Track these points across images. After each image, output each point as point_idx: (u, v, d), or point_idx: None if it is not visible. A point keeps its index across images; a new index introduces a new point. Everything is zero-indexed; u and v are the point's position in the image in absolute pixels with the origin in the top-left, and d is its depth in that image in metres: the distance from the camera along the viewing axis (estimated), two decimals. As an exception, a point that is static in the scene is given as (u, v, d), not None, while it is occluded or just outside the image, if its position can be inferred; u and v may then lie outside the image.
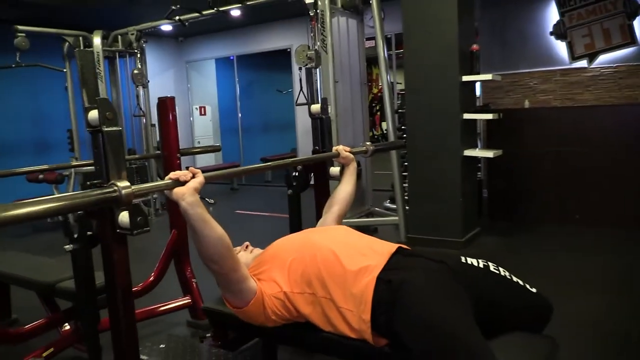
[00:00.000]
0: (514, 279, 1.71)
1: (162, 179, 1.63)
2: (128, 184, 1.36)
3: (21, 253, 3.20)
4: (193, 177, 1.55)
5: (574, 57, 5.81)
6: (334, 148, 2.36)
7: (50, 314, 2.58)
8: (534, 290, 1.70)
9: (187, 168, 1.61)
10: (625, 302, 3.00)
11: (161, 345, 1.89)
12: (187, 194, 1.50)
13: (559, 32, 5.84)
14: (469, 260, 1.72)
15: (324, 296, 1.64)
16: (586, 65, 5.73)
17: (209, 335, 2.16)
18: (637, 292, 3.15)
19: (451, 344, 1.37)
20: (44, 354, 2.31)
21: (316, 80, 4.82)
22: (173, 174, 1.53)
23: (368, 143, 2.52)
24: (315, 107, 2.46)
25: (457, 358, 1.34)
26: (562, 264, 3.79)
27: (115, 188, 1.35)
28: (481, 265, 1.70)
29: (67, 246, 1.62)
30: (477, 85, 5.82)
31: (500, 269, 1.72)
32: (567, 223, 4.78)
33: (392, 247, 1.72)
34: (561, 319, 2.39)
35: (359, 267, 1.61)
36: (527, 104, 5.81)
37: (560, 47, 5.90)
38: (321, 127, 2.47)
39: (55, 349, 2.38)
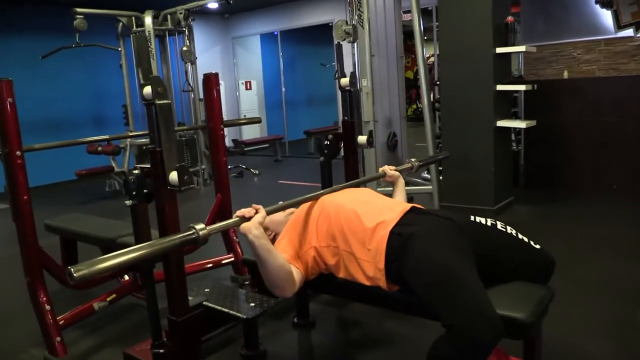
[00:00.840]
0: (520, 236, 1.87)
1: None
2: (203, 226, 1.56)
3: (86, 215, 3.58)
4: (256, 212, 1.76)
5: (619, 26, 5.67)
6: (380, 169, 2.42)
7: (113, 266, 2.94)
8: (537, 246, 1.86)
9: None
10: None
11: (206, 289, 2.19)
12: (252, 228, 1.71)
13: (605, 0, 5.71)
14: (478, 219, 1.90)
15: (345, 249, 1.87)
16: (632, 35, 5.60)
17: (247, 282, 2.46)
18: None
19: (447, 280, 1.57)
20: (108, 299, 2.67)
21: (353, 54, 4.98)
22: (239, 212, 1.75)
23: (413, 160, 2.55)
24: (344, 81, 2.66)
25: (453, 293, 1.54)
26: (591, 230, 3.88)
27: (194, 231, 1.55)
28: (489, 223, 1.88)
29: (128, 201, 1.92)
30: (520, 56, 5.81)
31: (508, 227, 1.88)
32: (603, 193, 4.80)
33: (407, 206, 1.92)
34: (574, 277, 2.54)
35: (376, 223, 1.83)
36: (566, 74, 5.77)
37: (606, 16, 5.77)
38: (350, 99, 2.67)
39: (117, 295, 2.74)
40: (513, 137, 5.18)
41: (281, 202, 1.87)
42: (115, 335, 2.62)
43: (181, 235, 1.54)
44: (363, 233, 1.83)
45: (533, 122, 4.39)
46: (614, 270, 3.06)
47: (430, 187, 4.80)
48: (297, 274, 1.86)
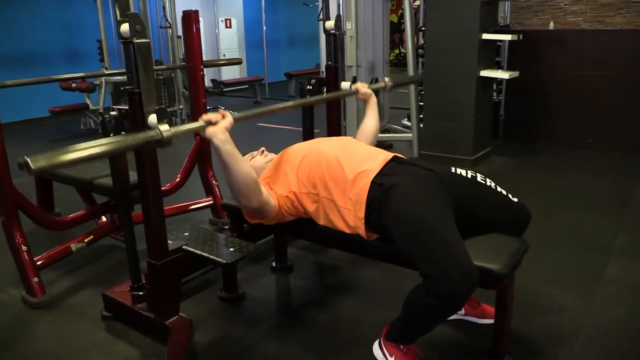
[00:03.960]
0: (499, 189, 1.90)
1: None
2: (168, 127, 1.55)
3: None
4: (223, 118, 1.73)
5: (608, -24, 5.60)
6: (353, 86, 2.45)
7: (89, 207, 2.91)
8: (515, 199, 1.90)
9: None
10: (617, 218, 3.19)
11: (185, 233, 2.19)
12: (218, 133, 1.68)
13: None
14: (458, 170, 1.91)
15: (326, 197, 1.87)
16: (620, -14, 5.55)
17: (227, 227, 2.46)
18: (631, 211, 3.33)
19: (426, 231, 1.60)
20: (86, 240, 2.66)
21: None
22: (205, 117, 1.71)
23: (387, 79, 2.59)
24: (330, 24, 2.58)
25: (430, 244, 1.57)
26: (565, 184, 3.97)
27: (158, 132, 1.53)
28: (469, 176, 1.90)
29: (105, 144, 1.87)
30: (507, 5, 5.70)
31: (487, 180, 1.91)
32: (580, 147, 4.87)
33: (388, 155, 1.92)
34: (546, 229, 2.60)
35: (358, 172, 1.83)
36: (551, 25, 5.72)
37: (596, -35, 5.68)
38: (334, 43, 2.60)
39: (95, 236, 2.73)
40: (494, 87, 5.17)
41: (252, 110, 1.89)
42: (94, 276, 2.63)
43: (145, 134, 1.53)
44: (344, 181, 1.84)
45: (516, 73, 4.37)
46: (585, 224, 3.15)
47: (410, 134, 4.81)
48: (265, 192, 1.86)
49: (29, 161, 1.20)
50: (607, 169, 4.32)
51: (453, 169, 1.92)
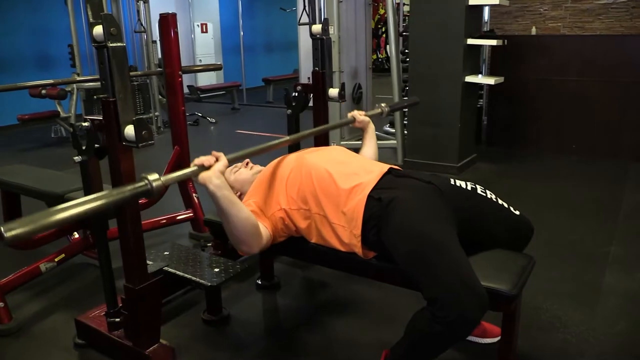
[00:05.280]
0: (499, 201, 1.80)
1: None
2: (157, 176, 1.38)
3: (30, 166, 3.29)
4: (217, 160, 1.57)
5: (587, -17, 5.62)
6: (349, 114, 2.26)
7: (60, 223, 2.72)
8: (517, 212, 1.80)
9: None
10: (609, 226, 3.13)
11: (165, 252, 2.03)
12: (213, 177, 1.53)
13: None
14: (458, 182, 1.80)
15: (318, 212, 1.74)
16: (599, -8, 5.57)
17: (210, 244, 2.31)
18: (621, 217, 3.28)
19: (431, 250, 1.48)
20: (56, 259, 2.47)
21: (320, -1, 4.70)
22: (198, 160, 1.56)
23: (383, 104, 2.39)
24: (317, 28, 2.46)
25: (436, 264, 1.45)
26: (552, 190, 3.91)
27: (147, 182, 1.36)
28: (469, 187, 1.79)
29: (76, 157, 1.71)
30: (485, 9, 5.67)
31: (487, 191, 1.81)
32: (564, 152, 4.85)
33: (384, 167, 1.80)
34: (540, 240, 2.52)
35: (352, 186, 1.70)
36: (534, 30, 5.71)
37: (575, -29, 5.70)
38: (321, 48, 2.48)
39: (66, 254, 2.53)
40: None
41: (244, 150, 1.70)
42: (66, 298, 2.44)
43: (132, 187, 1.36)
44: (337, 195, 1.71)
45: (501, 79, 4.31)
46: (577, 232, 3.08)
47: (394, 141, 4.71)
48: (264, 230, 1.73)
49: (2, 230, 1.02)
50: (593, 174, 4.29)
51: (452, 181, 1.81)
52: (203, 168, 1.54)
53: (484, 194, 1.79)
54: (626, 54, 4.61)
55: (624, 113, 4.63)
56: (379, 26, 12.63)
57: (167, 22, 2.79)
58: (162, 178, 1.39)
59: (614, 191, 3.80)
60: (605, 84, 4.67)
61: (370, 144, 2.26)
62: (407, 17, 6.07)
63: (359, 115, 2.25)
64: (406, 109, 4.60)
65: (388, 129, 5.62)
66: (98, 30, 1.51)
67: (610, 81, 4.64)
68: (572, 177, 4.26)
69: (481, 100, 5.30)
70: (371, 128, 2.28)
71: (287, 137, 1.97)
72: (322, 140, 2.68)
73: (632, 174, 4.24)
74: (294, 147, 2.60)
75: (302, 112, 2.67)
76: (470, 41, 4.09)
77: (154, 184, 1.36)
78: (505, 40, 4.38)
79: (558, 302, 2.28)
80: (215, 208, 1.58)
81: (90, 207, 1.23)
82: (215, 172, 1.54)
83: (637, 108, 4.58)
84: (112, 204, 1.30)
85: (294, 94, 2.60)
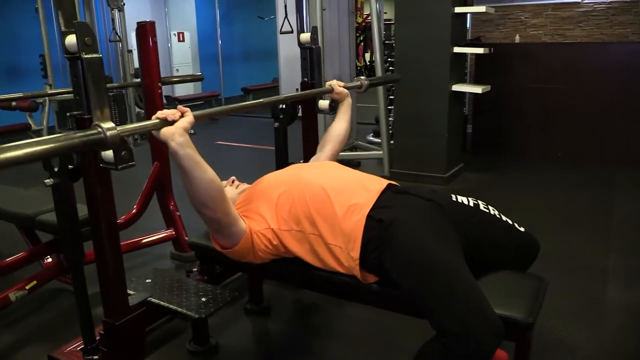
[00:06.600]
0: (503, 217, 1.70)
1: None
2: (112, 125, 1.26)
3: (-1, 184, 3.09)
4: (182, 116, 1.46)
5: (568, -9, 5.63)
6: (327, 83, 2.23)
7: (32, 247, 2.54)
8: (522, 229, 1.70)
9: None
10: (604, 236, 3.07)
11: (147, 280, 1.87)
12: (176, 134, 1.41)
13: (553, -38, 5.63)
14: (459, 198, 1.69)
15: (313, 232, 1.61)
16: (579, 0, 5.58)
17: (195, 269, 2.16)
18: (616, 227, 3.22)
19: (441, 277, 1.36)
20: (27, 287, 2.29)
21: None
22: (160, 113, 1.43)
23: (362, 77, 2.38)
24: (305, 36, 2.34)
25: (447, 291, 1.33)
26: (543, 199, 3.84)
27: (100, 130, 1.25)
28: (471, 204, 1.68)
29: (47, 180, 1.55)
30: (468, 17, 5.65)
31: (490, 207, 1.71)
32: (550, 160, 4.81)
33: (382, 183, 1.68)
34: (541, 254, 2.42)
35: (349, 205, 1.58)
36: (517, 38, 5.69)
37: (555, -21, 5.70)
38: (310, 57, 2.36)
39: (38, 281, 2.35)
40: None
41: (213, 109, 1.70)
42: (39, 329, 2.25)
43: (82, 133, 1.24)
44: (333, 215, 1.58)
45: (488, 88, 4.25)
46: (573, 243, 3.01)
47: (380, 152, 4.61)
48: (235, 214, 1.59)
49: None
50: (581, 183, 4.24)
51: (453, 197, 1.70)
52: (166, 122, 1.41)
53: (487, 211, 1.69)
54: (608, 61, 4.62)
55: (608, 120, 4.62)
56: (357, 34, 12.58)
57: (146, 31, 2.65)
58: (119, 128, 1.29)
59: (604, 199, 3.75)
60: (589, 90, 4.66)
61: (344, 117, 2.25)
62: (386, 25, 6.01)
63: (337, 85, 2.21)
64: (391, 116, 4.51)
65: (372, 138, 5.53)
66: (71, 40, 1.36)
67: (594, 88, 4.64)
68: (561, 185, 4.21)
69: (465, 109, 5.25)
70: (347, 101, 2.27)
71: (263, 100, 1.91)
72: (312, 153, 2.55)
73: (619, 181, 4.21)
74: (281, 162, 2.48)
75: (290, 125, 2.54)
76: (457, 49, 4.02)
77: (109, 133, 1.24)
78: (492, 49, 4.33)
79: (562, 320, 2.19)
80: (178, 168, 1.45)
81: (30, 152, 1.10)
82: (179, 128, 1.42)
83: (622, 114, 4.59)
84: (57, 151, 1.18)
85: (281, 105, 2.47)
